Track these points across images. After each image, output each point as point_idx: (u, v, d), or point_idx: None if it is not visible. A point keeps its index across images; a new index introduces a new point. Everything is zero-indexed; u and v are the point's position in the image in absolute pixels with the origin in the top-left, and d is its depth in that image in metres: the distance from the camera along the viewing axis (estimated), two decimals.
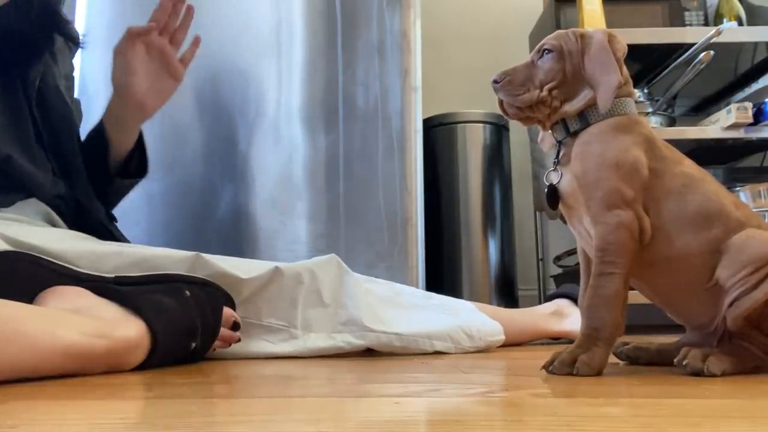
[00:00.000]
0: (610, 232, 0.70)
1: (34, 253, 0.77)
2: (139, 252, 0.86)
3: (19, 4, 0.90)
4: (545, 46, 0.76)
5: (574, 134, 0.75)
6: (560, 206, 0.77)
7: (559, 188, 0.76)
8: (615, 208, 0.70)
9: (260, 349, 0.92)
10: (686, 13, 1.99)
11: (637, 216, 0.70)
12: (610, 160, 0.71)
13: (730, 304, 0.68)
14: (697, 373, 0.66)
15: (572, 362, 0.68)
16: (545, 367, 0.70)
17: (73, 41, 1.01)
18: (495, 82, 0.77)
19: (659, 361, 0.79)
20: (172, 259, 0.87)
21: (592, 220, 0.72)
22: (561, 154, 0.77)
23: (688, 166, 0.74)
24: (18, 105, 0.92)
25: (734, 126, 1.74)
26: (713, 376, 0.66)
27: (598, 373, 0.68)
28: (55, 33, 0.97)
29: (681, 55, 1.75)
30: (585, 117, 0.75)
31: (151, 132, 1.56)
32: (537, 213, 2.23)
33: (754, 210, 0.91)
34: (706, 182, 0.73)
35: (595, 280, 0.70)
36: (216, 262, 0.89)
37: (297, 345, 0.93)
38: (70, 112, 1.02)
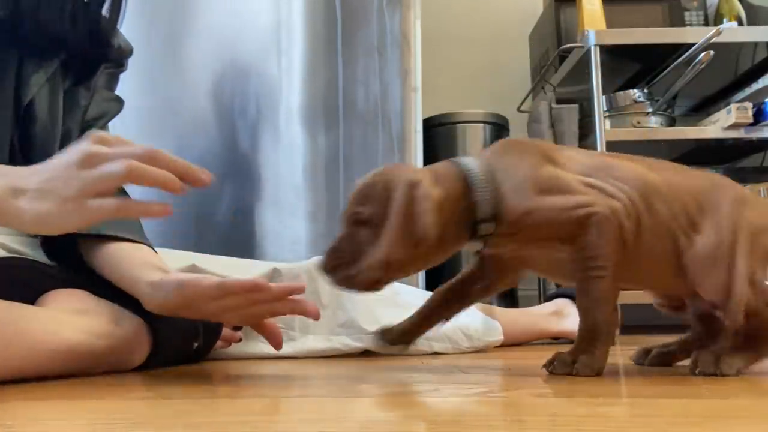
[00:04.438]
0: (587, 234, 0.66)
1: (31, 258, 0.77)
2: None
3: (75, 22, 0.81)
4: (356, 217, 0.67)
5: (491, 235, 0.69)
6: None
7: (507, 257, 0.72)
8: (575, 214, 0.66)
9: (258, 350, 0.92)
10: (686, 13, 1.99)
11: (606, 205, 0.67)
12: (534, 191, 0.67)
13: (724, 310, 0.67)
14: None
15: (572, 362, 0.67)
16: (545, 367, 0.70)
17: (118, 65, 0.92)
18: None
19: (659, 362, 0.79)
20: None
21: (568, 241, 0.68)
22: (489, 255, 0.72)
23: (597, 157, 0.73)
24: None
25: (734, 126, 1.74)
26: (728, 376, 0.65)
27: (598, 373, 0.67)
28: (102, 64, 0.88)
29: (681, 55, 1.75)
30: (492, 215, 0.68)
31: (152, 132, 1.56)
32: None
33: None
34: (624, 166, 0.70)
35: (582, 284, 0.68)
36: (212, 269, 0.88)
37: (295, 347, 0.94)
38: (52, 135, 0.85)
